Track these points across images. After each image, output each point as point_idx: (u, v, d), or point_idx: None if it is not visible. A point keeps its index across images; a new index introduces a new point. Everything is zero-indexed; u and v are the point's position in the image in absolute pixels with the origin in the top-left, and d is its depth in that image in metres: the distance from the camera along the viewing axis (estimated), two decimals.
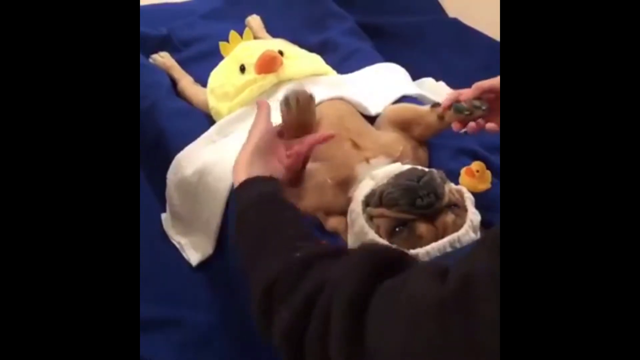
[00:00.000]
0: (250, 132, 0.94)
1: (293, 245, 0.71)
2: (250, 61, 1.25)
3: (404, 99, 1.26)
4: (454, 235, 0.90)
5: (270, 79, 1.22)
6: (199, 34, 1.64)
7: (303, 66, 1.28)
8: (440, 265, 0.59)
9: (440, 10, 1.81)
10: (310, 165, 1.01)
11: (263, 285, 0.69)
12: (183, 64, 1.51)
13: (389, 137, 1.12)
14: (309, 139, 0.97)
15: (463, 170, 1.10)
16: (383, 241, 0.91)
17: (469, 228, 0.92)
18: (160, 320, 1.08)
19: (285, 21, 1.63)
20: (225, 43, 1.38)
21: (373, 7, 1.75)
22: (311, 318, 0.63)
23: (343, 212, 1.01)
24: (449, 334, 0.51)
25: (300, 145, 0.96)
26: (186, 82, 1.44)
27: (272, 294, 0.68)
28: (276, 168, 0.92)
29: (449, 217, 0.91)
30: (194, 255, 1.18)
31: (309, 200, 1.03)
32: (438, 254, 0.89)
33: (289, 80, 1.24)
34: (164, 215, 1.26)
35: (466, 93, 1.01)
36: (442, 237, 0.90)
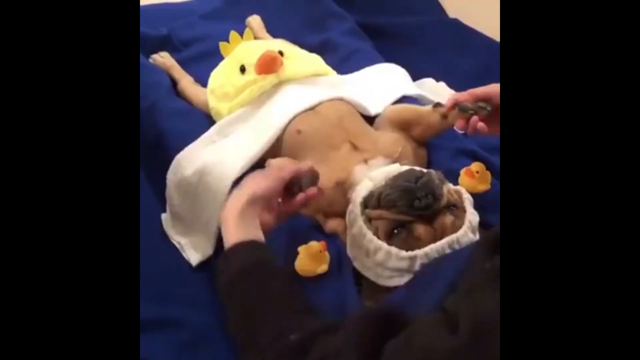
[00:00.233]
0: (259, 180, 0.88)
1: (285, 326, 0.68)
2: (251, 61, 1.25)
3: (404, 99, 1.27)
4: (453, 237, 0.90)
5: (271, 79, 1.22)
6: (199, 34, 1.64)
7: (303, 66, 1.28)
8: (444, 313, 0.59)
9: (441, 10, 1.81)
10: None
11: None
12: (183, 64, 1.51)
13: (388, 137, 1.12)
14: (304, 197, 0.92)
15: (463, 171, 1.10)
16: (381, 243, 0.91)
17: (467, 229, 0.92)
18: (160, 320, 1.08)
19: (285, 21, 1.63)
20: (225, 43, 1.38)
21: (373, 7, 1.75)
22: None
23: (342, 214, 1.01)
24: None
25: (295, 205, 0.92)
26: (186, 82, 1.44)
27: None
28: (267, 219, 0.87)
29: (448, 219, 0.91)
30: (194, 256, 1.18)
31: None
32: (437, 255, 0.89)
33: (289, 80, 1.24)
34: (164, 215, 1.26)
35: (462, 97, 1.01)
36: (441, 238, 0.90)
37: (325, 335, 0.65)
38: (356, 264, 0.96)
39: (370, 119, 1.21)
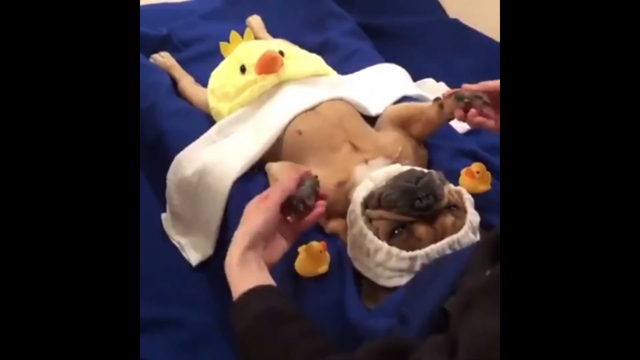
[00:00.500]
0: (251, 218, 0.85)
1: None
2: (251, 61, 1.25)
3: (404, 99, 1.27)
4: (453, 237, 0.90)
5: (271, 79, 1.22)
6: (199, 34, 1.64)
7: (303, 67, 1.28)
8: (445, 338, 0.59)
9: (441, 10, 1.82)
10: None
11: None
12: (183, 64, 1.51)
13: (388, 137, 1.12)
14: (315, 214, 0.92)
15: (463, 171, 1.10)
16: (382, 243, 0.91)
17: (468, 229, 0.91)
18: (160, 320, 1.08)
19: (285, 21, 1.63)
20: (226, 43, 1.38)
21: (373, 7, 1.75)
22: None
23: (343, 214, 1.01)
24: None
25: (308, 222, 0.92)
26: (186, 82, 1.44)
27: None
28: (275, 249, 0.87)
29: (448, 219, 0.91)
30: (194, 255, 1.18)
31: None
32: (437, 256, 0.88)
33: (290, 80, 1.24)
34: (164, 215, 1.26)
35: (470, 87, 1.01)
36: (441, 238, 0.90)
37: None
38: (356, 264, 0.96)
39: (370, 119, 1.21)
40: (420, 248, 0.89)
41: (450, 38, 1.68)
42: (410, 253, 0.89)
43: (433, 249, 0.89)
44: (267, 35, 1.59)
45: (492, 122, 1.00)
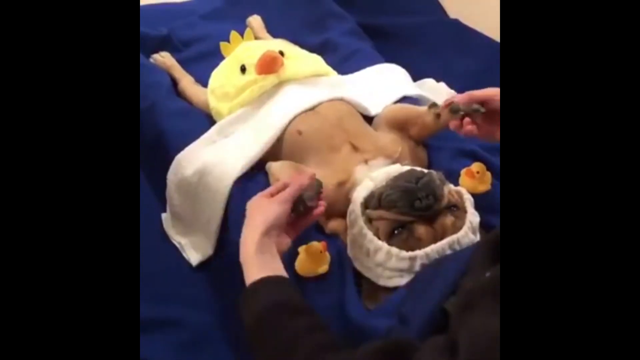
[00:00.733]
0: (266, 208, 0.87)
1: None
2: (251, 61, 1.25)
3: (404, 99, 1.26)
4: (453, 237, 0.90)
5: (271, 79, 1.22)
6: (199, 34, 1.64)
7: (304, 67, 1.28)
8: (446, 339, 0.60)
9: (441, 10, 1.81)
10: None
11: None
12: (183, 64, 1.51)
13: (387, 138, 1.12)
14: (317, 213, 0.94)
15: (463, 171, 1.09)
16: (382, 243, 0.91)
17: (468, 230, 0.92)
18: (160, 320, 1.08)
19: (285, 21, 1.63)
20: (226, 43, 1.38)
21: (373, 7, 1.75)
22: None
23: (343, 214, 1.01)
24: None
25: (309, 221, 0.94)
26: (187, 82, 1.44)
27: None
28: (282, 243, 0.88)
29: (448, 219, 0.91)
30: (194, 256, 1.18)
31: None
32: (437, 256, 0.89)
33: (290, 80, 1.24)
34: (164, 215, 1.26)
35: (459, 98, 1.01)
36: (441, 238, 0.90)
37: None
38: (356, 264, 0.96)
39: (370, 120, 1.21)
40: (420, 248, 0.90)
41: (450, 38, 1.68)
42: (410, 253, 0.89)
43: (433, 249, 0.89)
44: (267, 35, 1.59)
45: (471, 127, 0.99)
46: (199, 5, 1.78)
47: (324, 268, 0.98)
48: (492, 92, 0.97)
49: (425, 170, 0.95)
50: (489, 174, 1.10)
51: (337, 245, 1.01)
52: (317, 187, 0.93)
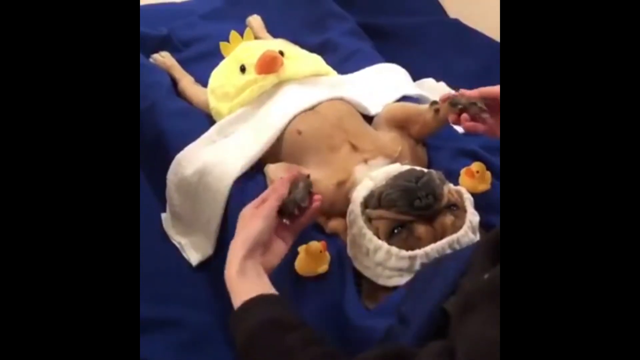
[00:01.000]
0: (247, 225, 0.85)
1: None
2: (251, 61, 1.25)
3: (404, 99, 1.27)
4: (453, 237, 0.90)
5: (271, 79, 1.22)
6: (199, 34, 1.64)
7: (303, 66, 1.28)
8: (443, 344, 0.60)
9: (441, 10, 1.81)
10: (311, 173, 1.01)
11: None
12: (183, 64, 1.51)
13: (387, 137, 1.12)
14: (310, 213, 0.92)
15: (463, 171, 1.09)
16: (382, 242, 0.91)
17: (468, 229, 0.92)
18: (160, 320, 1.08)
19: (285, 21, 1.63)
20: (226, 43, 1.38)
21: (373, 7, 1.75)
22: None
23: (343, 214, 1.01)
24: None
25: (305, 222, 0.92)
26: (187, 82, 1.44)
27: None
28: (269, 261, 0.86)
29: (448, 219, 0.91)
30: (194, 256, 1.18)
31: None
32: (437, 255, 0.89)
33: (289, 80, 1.24)
34: (164, 215, 1.26)
35: (469, 94, 1.01)
36: (441, 238, 0.90)
37: None
38: (356, 264, 0.96)
39: (370, 119, 1.21)
40: (419, 247, 0.90)
41: (450, 38, 1.68)
42: (410, 252, 0.89)
43: (433, 249, 0.89)
44: (267, 35, 1.59)
45: (482, 127, 0.99)
46: (199, 5, 1.78)
47: (323, 268, 0.98)
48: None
49: (425, 170, 0.95)
50: (488, 173, 1.10)
51: (337, 244, 1.01)
52: (306, 186, 0.91)
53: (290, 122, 1.15)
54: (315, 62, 1.34)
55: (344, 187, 1.04)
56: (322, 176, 1.03)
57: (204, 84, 1.37)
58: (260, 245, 0.85)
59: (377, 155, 1.07)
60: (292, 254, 0.97)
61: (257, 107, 1.23)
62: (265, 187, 1.08)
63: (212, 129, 1.23)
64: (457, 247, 0.89)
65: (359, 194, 0.98)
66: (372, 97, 1.25)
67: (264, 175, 1.13)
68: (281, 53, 1.26)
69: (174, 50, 1.56)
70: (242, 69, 1.26)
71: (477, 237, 0.93)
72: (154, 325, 1.06)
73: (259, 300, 0.78)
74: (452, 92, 1.20)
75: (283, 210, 0.89)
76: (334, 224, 1.03)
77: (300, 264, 0.98)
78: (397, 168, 1.00)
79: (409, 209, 0.90)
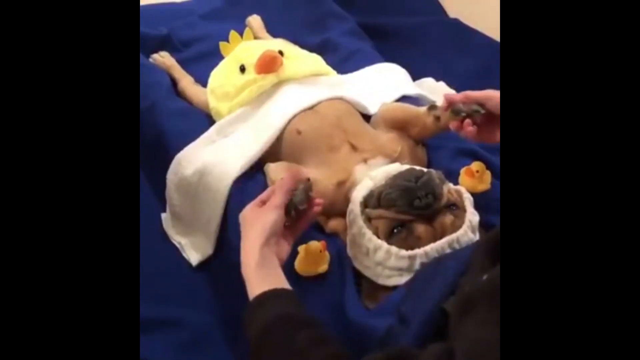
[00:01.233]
0: (260, 218, 0.85)
1: None
2: (250, 61, 1.25)
3: (404, 99, 1.26)
4: (453, 236, 0.90)
5: (270, 79, 1.22)
6: (199, 34, 1.64)
7: (303, 66, 1.28)
8: (443, 346, 0.60)
9: (441, 10, 1.81)
10: (310, 173, 1.01)
11: None
12: (183, 64, 1.51)
13: (386, 136, 1.12)
14: (311, 215, 0.93)
15: (463, 171, 1.10)
16: (381, 242, 0.91)
17: (467, 229, 0.92)
18: (160, 320, 1.08)
19: (285, 21, 1.63)
20: (225, 43, 1.38)
21: (373, 7, 1.75)
22: None
23: (343, 214, 1.01)
24: None
25: (304, 224, 0.93)
26: (186, 82, 1.44)
27: None
28: (281, 251, 0.87)
29: (448, 218, 0.91)
30: (194, 255, 1.18)
31: None
32: (436, 255, 0.89)
33: (289, 80, 1.24)
34: (164, 215, 1.26)
35: (455, 97, 1.00)
36: (441, 237, 0.90)
37: None
38: (356, 264, 0.96)
39: (370, 119, 1.21)
40: (419, 247, 0.90)
41: (450, 38, 1.68)
42: (410, 252, 0.89)
43: (432, 248, 0.89)
44: (267, 35, 1.59)
45: (470, 129, 0.99)
46: (199, 5, 1.78)
47: (323, 267, 0.98)
48: (490, 94, 0.97)
49: (425, 169, 0.95)
50: (488, 173, 1.10)
51: (336, 244, 1.01)
52: (306, 189, 0.91)
53: (289, 121, 1.15)
54: (314, 62, 1.34)
55: (344, 187, 1.04)
56: (321, 176, 1.03)
57: (204, 84, 1.37)
58: (275, 235, 0.85)
59: (377, 154, 1.07)
60: (292, 254, 0.97)
61: (257, 106, 1.23)
62: (265, 186, 1.08)
63: (212, 129, 1.23)
64: (457, 246, 0.90)
65: (358, 194, 0.98)
66: (372, 97, 1.25)
67: (264, 175, 1.13)
68: (281, 53, 1.26)
69: (173, 50, 1.56)
70: (242, 69, 1.27)
71: (477, 237, 0.93)
72: (154, 325, 1.06)
73: (276, 294, 0.78)
74: (453, 92, 1.20)
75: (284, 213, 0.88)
76: (333, 224, 1.03)
77: (300, 264, 0.98)
78: (397, 168, 1.00)
79: (409, 208, 0.90)
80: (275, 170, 1.10)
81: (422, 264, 0.89)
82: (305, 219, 0.92)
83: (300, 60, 1.31)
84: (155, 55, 1.51)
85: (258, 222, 0.85)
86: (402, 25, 1.71)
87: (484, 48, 1.62)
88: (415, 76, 1.43)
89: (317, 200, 0.93)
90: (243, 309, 0.79)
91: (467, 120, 0.98)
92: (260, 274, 0.81)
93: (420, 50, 1.64)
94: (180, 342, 1.07)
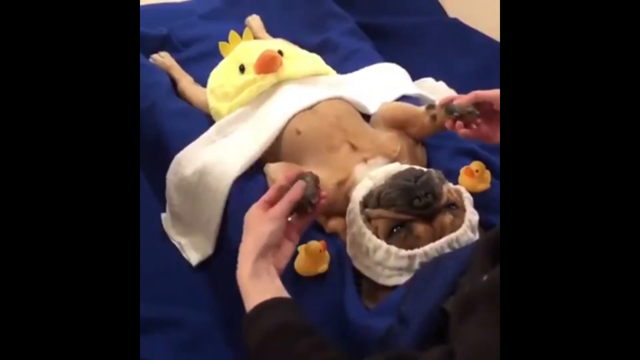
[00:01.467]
0: (259, 229, 0.84)
1: None
2: (250, 61, 1.25)
3: (403, 98, 1.26)
4: (452, 236, 0.90)
5: (270, 79, 1.22)
6: (199, 34, 1.64)
7: (303, 66, 1.28)
8: (443, 349, 0.60)
9: (441, 10, 1.81)
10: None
11: None
12: (183, 64, 1.51)
13: (386, 136, 1.12)
14: (316, 211, 0.92)
15: (462, 170, 1.10)
16: (381, 242, 0.91)
17: (467, 228, 0.92)
18: (160, 320, 1.08)
19: (285, 21, 1.63)
20: (225, 43, 1.38)
21: (373, 7, 1.75)
22: None
23: (343, 213, 1.01)
24: None
25: (309, 220, 0.92)
26: (186, 82, 1.44)
27: None
28: (280, 261, 0.86)
29: (447, 218, 0.91)
30: (194, 255, 1.18)
31: None
32: (436, 254, 0.89)
33: (289, 80, 1.24)
34: (164, 215, 1.26)
35: (462, 98, 1.01)
36: (440, 237, 0.90)
37: None
38: (356, 264, 0.96)
39: (369, 118, 1.21)
40: (419, 247, 0.90)
41: (450, 38, 1.68)
42: (409, 252, 0.89)
43: (432, 248, 0.89)
44: (267, 35, 1.60)
45: (464, 130, 0.99)
46: (199, 5, 1.78)
47: (323, 267, 0.98)
48: (498, 94, 0.97)
49: (425, 169, 0.95)
50: (488, 172, 1.10)
51: (336, 244, 1.01)
52: (314, 182, 0.91)
53: (289, 121, 1.16)
54: (314, 61, 1.34)
55: (344, 187, 1.04)
56: (321, 176, 1.03)
57: (204, 84, 1.37)
58: (272, 248, 0.84)
59: (377, 154, 1.07)
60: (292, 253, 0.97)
61: (257, 106, 1.23)
62: (265, 186, 1.08)
63: (212, 129, 1.23)
64: (456, 246, 0.90)
65: (358, 194, 0.98)
66: (372, 97, 1.25)
67: (263, 174, 1.13)
68: (280, 53, 1.26)
69: (173, 51, 1.56)
70: (242, 69, 1.27)
71: (477, 236, 0.93)
72: (154, 325, 1.06)
73: (273, 304, 0.78)
74: (452, 92, 1.20)
75: (296, 209, 0.89)
76: (333, 224, 1.03)
77: (300, 264, 0.98)
78: (397, 167, 1.00)
79: (408, 208, 0.90)
80: (275, 170, 1.10)
81: (422, 264, 0.89)
82: (314, 213, 0.92)
83: (299, 60, 1.31)
84: (155, 56, 1.52)
85: (254, 232, 0.84)
86: (402, 25, 1.71)
87: (484, 48, 1.62)
88: (415, 76, 1.43)
89: (323, 193, 0.93)
90: (241, 319, 0.79)
91: (459, 122, 0.99)
92: (255, 285, 0.80)
93: (420, 50, 1.64)
94: (180, 342, 1.07)
